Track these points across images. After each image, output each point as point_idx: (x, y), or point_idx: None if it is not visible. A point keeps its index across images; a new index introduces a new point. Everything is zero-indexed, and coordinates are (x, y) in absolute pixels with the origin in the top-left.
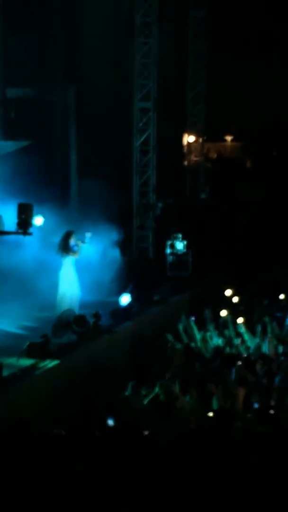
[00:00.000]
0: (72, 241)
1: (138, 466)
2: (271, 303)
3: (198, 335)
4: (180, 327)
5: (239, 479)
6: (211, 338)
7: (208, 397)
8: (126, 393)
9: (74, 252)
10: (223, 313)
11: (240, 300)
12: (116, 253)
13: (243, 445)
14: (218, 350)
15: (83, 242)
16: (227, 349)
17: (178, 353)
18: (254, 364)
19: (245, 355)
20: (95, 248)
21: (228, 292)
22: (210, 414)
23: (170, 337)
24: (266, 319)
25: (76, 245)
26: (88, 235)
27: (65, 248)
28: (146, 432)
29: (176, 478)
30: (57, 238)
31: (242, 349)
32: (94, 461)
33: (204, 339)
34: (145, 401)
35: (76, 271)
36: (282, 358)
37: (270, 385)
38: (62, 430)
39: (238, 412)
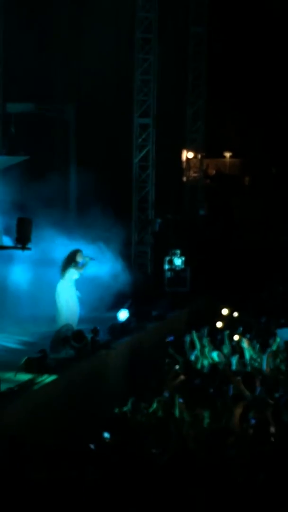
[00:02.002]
0: (79, 258)
1: (135, 482)
2: (269, 320)
3: (198, 350)
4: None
5: (239, 496)
6: (210, 354)
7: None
8: (125, 409)
9: (79, 267)
10: (220, 328)
11: (238, 317)
12: (118, 268)
13: (241, 461)
14: (215, 366)
15: (91, 259)
16: (226, 365)
17: (177, 369)
18: (253, 380)
19: (244, 371)
20: (97, 263)
21: (224, 311)
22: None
23: (171, 350)
24: (278, 339)
25: (85, 262)
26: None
27: (71, 264)
28: (144, 448)
29: (175, 494)
30: (56, 254)
31: (240, 365)
32: (91, 476)
33: (202, 355)
34: (143, 417)
35: (76, 286)
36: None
37: (268, 401)
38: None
39: (235, 428)
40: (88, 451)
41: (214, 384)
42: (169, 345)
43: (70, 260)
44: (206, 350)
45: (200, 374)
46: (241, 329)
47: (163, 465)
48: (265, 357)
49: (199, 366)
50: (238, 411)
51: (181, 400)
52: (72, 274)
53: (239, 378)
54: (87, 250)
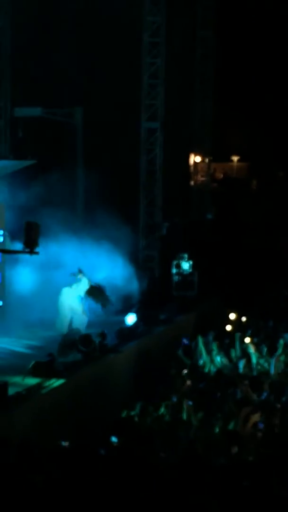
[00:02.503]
0: (97, 300)
1: (143, 486)
2: (276, 324)
3: (205, 355)
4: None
5: (248, 500)
6: (215, 358)
7: (212, 418)
8: (133, 413)
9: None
10: (229, 331)
11: (246, 321)
12: (126, 272)
13: (250, 465)
14: (221, 371)
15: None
16: (233, 369)
17: (184, 373)
18: (260, 384)
19: (251, 375)
20: (105, 268)
21: (232, 316)
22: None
23: (180, 352)
24: (281, 341)
25: (79, 279)
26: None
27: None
28: (152, 452)
29: (183, 498)
30: (64, 258)
31: (247, 369)
32: (99, 479)
33: (210, 360)
34: (151, 421)
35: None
36: None
37: (275, 405)
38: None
39: (242, 432)
40: (96, 454)
41: (220, 388)
42: (178, 348)
43: (94, 293)
44: (214, 353)
45: (206, 378)
46: (250, 331)
47: (172, 469)
48: (272, 361)
49: (206, 370)
50: (244, 415)
51: (190, 403)
52: (79, 290)
53: (246, 382)
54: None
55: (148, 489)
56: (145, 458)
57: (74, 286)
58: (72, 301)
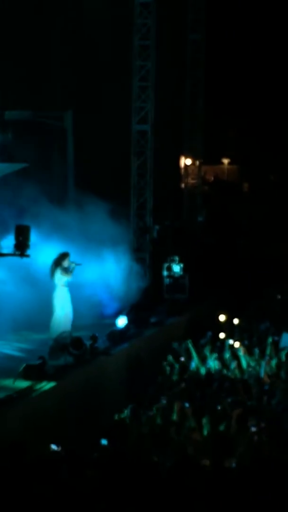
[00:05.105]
0: (66, 263)
1: (137, 490)
2: (268, 327)
3: (195, 358)
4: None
5: (240, 503)
6: (209, 362)
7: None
8: (123, 416)
9: (67, 272)
10: (221, 336)
11: (238, 324)
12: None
13: (243, 468)
14: (212, 373)
15: (77, 264)
16: (224, 372)
17: (175, 377)
18: (250, 387)
19: (242, 378)
20: (96, 271)
21: (222, 317)
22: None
23: (170, 358)
24: (269, 340)
25: (71, 267)
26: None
27: (57, 268)
28: (143, 455)
29: (177, 502)
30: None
31: (238, 372)
32: (93, 483)
33: (202, 363)
34: (142, 424)
35: (70, 292)
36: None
37: (266, 408)
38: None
39: (234, 435)
40: (87, 458)
41: (212, 391)
42: (169, 351)
43: (56, 264)
44: (206, 357)
45: (198, 381)
46: (245, 335)
47: (166, 473)
48: (263, 364)
49: (199, 372)
50: (236, 417)
51: (187, 405)
52: (60, 278)
53: (238, 384)
54: (84, 256)
55: (141, 492)
56: (137, 461)
57: (56, 282)
58: (62, 300)
